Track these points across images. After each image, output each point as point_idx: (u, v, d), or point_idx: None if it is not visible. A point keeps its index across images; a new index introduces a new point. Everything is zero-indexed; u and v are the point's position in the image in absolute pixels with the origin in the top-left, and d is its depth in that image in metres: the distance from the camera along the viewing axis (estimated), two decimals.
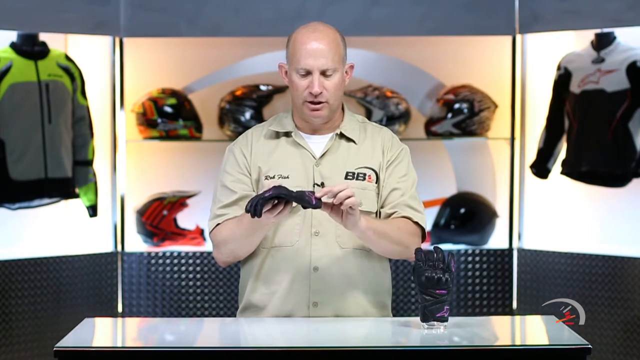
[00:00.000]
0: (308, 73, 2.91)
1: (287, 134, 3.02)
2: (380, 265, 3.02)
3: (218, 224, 2.98)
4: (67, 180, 4.91)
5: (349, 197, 2.74)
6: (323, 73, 2.91)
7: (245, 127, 5.01)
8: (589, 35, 5.01)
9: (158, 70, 5.32)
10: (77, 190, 4.98)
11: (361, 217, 2.81)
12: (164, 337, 2.83)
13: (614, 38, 4.93)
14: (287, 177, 2.95)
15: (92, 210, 5.02)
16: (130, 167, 5.25)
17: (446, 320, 2.73)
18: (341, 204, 2.74)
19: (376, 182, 2.99)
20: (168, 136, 5.16)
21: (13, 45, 4.83)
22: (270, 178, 2.96)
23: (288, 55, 2.97)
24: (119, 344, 2.85)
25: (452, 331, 2.73)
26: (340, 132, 3.01)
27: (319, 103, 2.92)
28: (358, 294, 2.98)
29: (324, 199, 2.74)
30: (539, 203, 5.28)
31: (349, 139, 3.02)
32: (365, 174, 2.97)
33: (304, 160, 2.98)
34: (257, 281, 3.00)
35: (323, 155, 2.99)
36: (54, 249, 5.11)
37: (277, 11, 5.13)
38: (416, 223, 2.97)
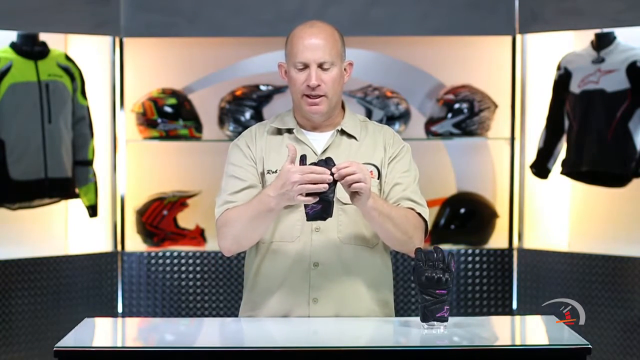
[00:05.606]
0: (306, 67, 2.93)
1: (289, 131, 3.03)
2: (382, 261, 3.03)
3: (227, 210, 2.96)
4: (67, 180, 4.91)
5: (359, 181, 2.75)
6: (320, 66, 2.93)
7: (245, 127, 5.00)
8: (589, 35, 5.01)
9: (158, 70, 5.32)
10: (77, 190, 4.98)
11: (370, 197, 2.81)
12: (164, 337, 2.83)
13: (614, 38, 4.92)
14: None
15: (92, 210, 5.02)
16: (130, 167, 5.25)
17: (446, 320, 2.74)
18: (350, 184, 2.76)
19: (378, 179, 3.00)
20: (168, 136, 5.16)
21: (13, 45, 4.83)
22: (273, 173, 2.97)
23: (286, 53, 2.99)
24: (119, 344, 2.86)
25: (452, 331, 2.73)
26: (342, 129, 3.02)
27: (318, 97, 2.93)
28: (359, 290, 2.98)
29: (335, 176, 2.75)
30: (539, 203, 5.28)
31: (350, 136, 3.03)
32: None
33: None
34: (258, 277, 3.00)
35: (324, 151, 2.99)
36: (54, 249, 5.11)
37: (276, 11, 5.13)
38: (419, 215, 2.97)
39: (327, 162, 2.78)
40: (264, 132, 3.06)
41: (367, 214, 2.85)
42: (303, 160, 2.78)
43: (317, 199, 2.76)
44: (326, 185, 2.74)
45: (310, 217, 2.79)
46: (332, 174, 2.75)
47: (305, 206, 2.78)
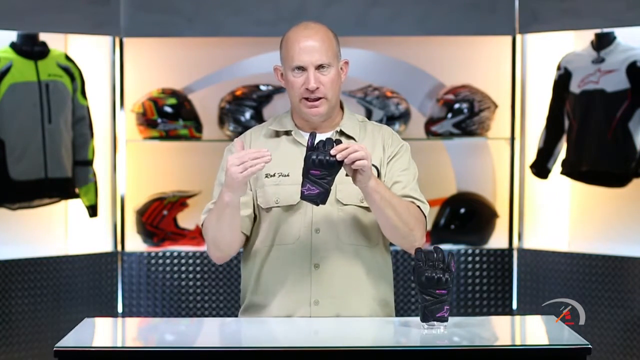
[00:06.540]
0: (303, 70, 2.93)
1: (287, 133, 3.03)
2: (382, 261, 3.02)
3: (206, 218, 2.98)
4: (67, 180, 4.91)
5: (361, 159, 2.74)
6: (318, 69, 2.92)
7: (245, 127, 5.01)
8: (589, 35, 5.01)
9: (158, 70, 5.32)
10: (77, 190, 4.99)
11: (372, 178, 2.80)
12: (164, 337, 2.83)
13: (614, 38, 4.93)
14: (288, 175, 2.95)
15: (92, 210, 5.02)
16: (130, 167, 5.25)
17: (446, 320, 2.73)
18: (353, 162, 2.75)
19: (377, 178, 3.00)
20: (168, 136, 5.16)
21: (13, 45, 4.83)
22: (271, 176, 2.97)
23: (282, 56, 2.98)
24: (119, 344, 2.85)
25: (452, 331, 2.73)
26: (340, 130, 3.02)
27: (317, 100, 2.93)
28: (360, 291, 2.97)
29: (338, 157, 2.74)
30: (539, 203, 5.28)
31: (349, 137, 3.02)
32: None
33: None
34: (258, 280, 3.00)
35: None
36: (54, 249, 5.11)
37: (276, 11, 5.13)
38: (419, 208, 2.97)
39: (336, 142, 2.77)
40: (259, 135, 3.05)
41: (368, 196, 2.83)
42: (312, 137, 2.78)
43: (259, 171, 2.77)
44: (263, 164, 2.75)
45: (304, 196, 2.77)
46: (333, 157, 2.75)
47: (303, 185, 2.77)
